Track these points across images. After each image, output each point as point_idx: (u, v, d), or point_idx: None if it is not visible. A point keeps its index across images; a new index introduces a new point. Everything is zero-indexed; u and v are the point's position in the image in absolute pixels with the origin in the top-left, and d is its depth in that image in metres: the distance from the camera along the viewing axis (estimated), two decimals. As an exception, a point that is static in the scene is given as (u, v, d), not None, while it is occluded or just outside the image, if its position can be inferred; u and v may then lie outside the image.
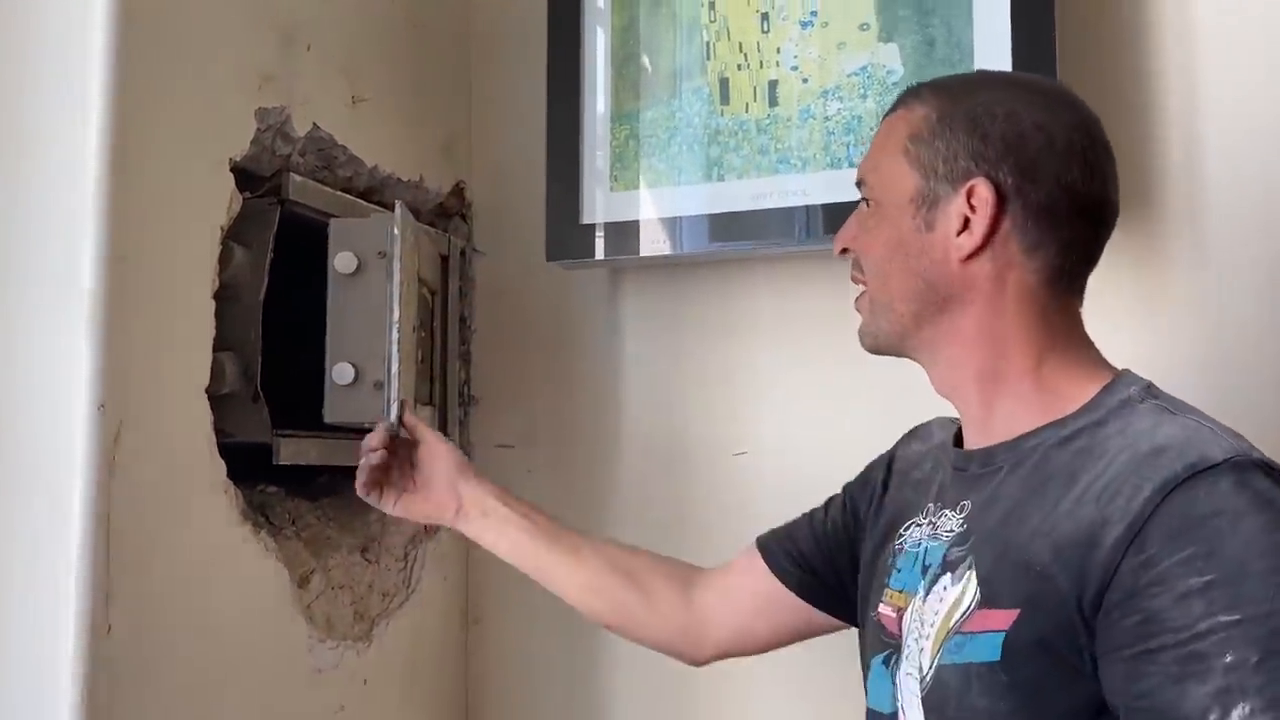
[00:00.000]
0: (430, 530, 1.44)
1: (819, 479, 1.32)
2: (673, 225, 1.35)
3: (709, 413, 1.42)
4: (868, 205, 0.95)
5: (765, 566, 1.11)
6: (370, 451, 1.12)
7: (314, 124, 1.23)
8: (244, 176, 1.15)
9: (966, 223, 0.88)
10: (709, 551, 1.40)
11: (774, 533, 1.14)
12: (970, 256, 0.88)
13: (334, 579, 1.26)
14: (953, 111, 0.90)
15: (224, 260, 1.12)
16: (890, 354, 0.96)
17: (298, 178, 1.21)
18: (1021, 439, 0.88)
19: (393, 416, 1.14)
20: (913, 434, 1.08)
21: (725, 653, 1.14)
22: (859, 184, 0.96)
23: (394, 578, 1.37)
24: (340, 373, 1.17)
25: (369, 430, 1.15)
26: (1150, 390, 0.86)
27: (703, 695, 1.30)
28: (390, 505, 1.16)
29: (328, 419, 1.18)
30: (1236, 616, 0.70)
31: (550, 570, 1.15)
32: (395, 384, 1.15)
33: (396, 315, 1.15)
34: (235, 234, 1.14)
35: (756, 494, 1.39)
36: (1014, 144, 0.88)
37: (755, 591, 1.11)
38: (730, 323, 1.42)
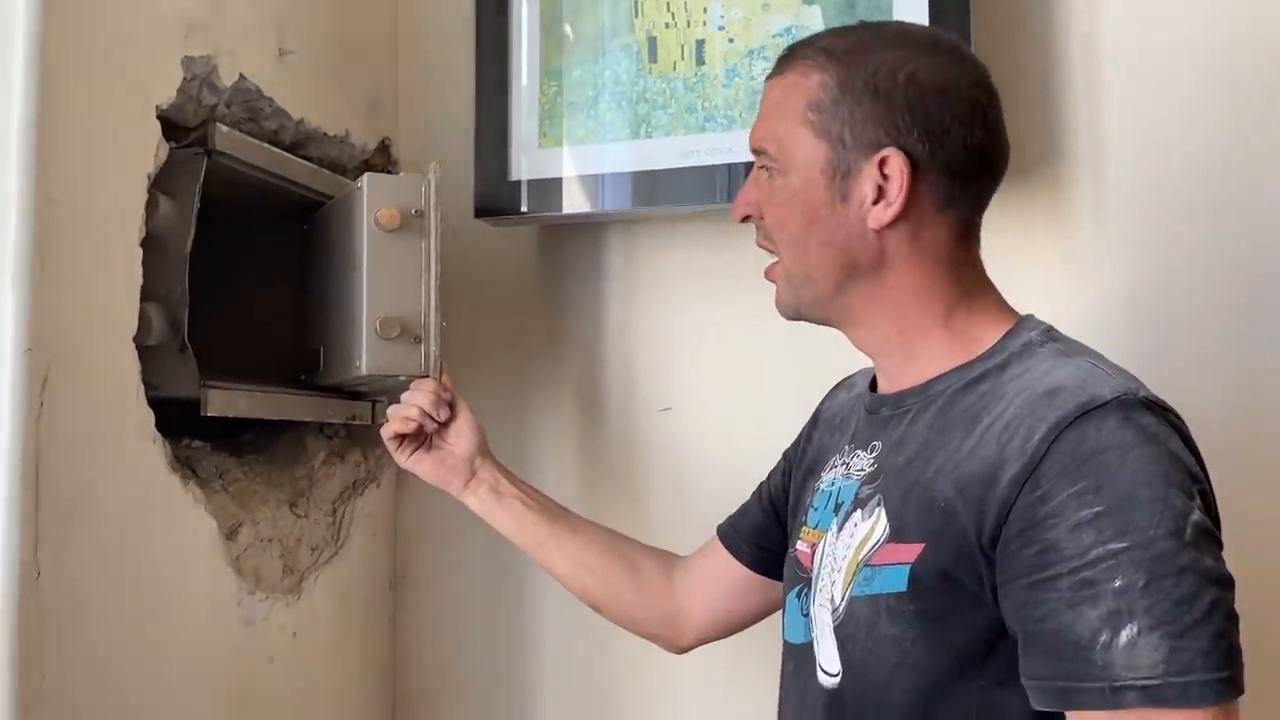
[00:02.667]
0: (359, 486, 1.45)
1: (743, 434, 1.37)
2: (599, 182, 1.37)
3: (634, 369, 1.45)
4: (768, 173, 0.94)
5: (723, 548, 1.15)
6: (415, 407, 1.18)
7: (240, 75, 1.21)
8: (170, 126, 1.14)
9: (880, 192, 0.89)
10: (635, 506, 1.43)
11: (731, 515, 1.18)
12: (887, 225, 0.90)
13: (262, 532, 1.26)
14: (851, 77, 0.90)
15: (150, 210, 1.10)
16: (810, 321, 0.97)
17: (224, 128, 1.19)
18: (930, 383, 0.92)
19: (434, 373, 1.20)
20: (839, 386, 1.12)
21: (705, 637, 1.18)
22: (757, 152, 0.95)
23: (322, 532, 1.38)
24: (383, 325, 1.20)
25: (393, 381, 1.22)
26: (1050, 333, 0.91)
27: (628, 657, 1.33)
28: (404, 458, 1.21)
29: (366, 370, 1.21)
30: (1125, 544, 0.74)
31: (548, 547, 1.19)
32: (436, 341, 1.21)
33: (435, 272, 1.20)
34: (161, 183, 1.12)
35: (681, 449, 1.42)
36: (920, 110, 0.89)
37: (721, 574, 1.15)
38: (656, 280, 1.44)
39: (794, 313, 0.97)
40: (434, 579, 1.52)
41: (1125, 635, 0.73)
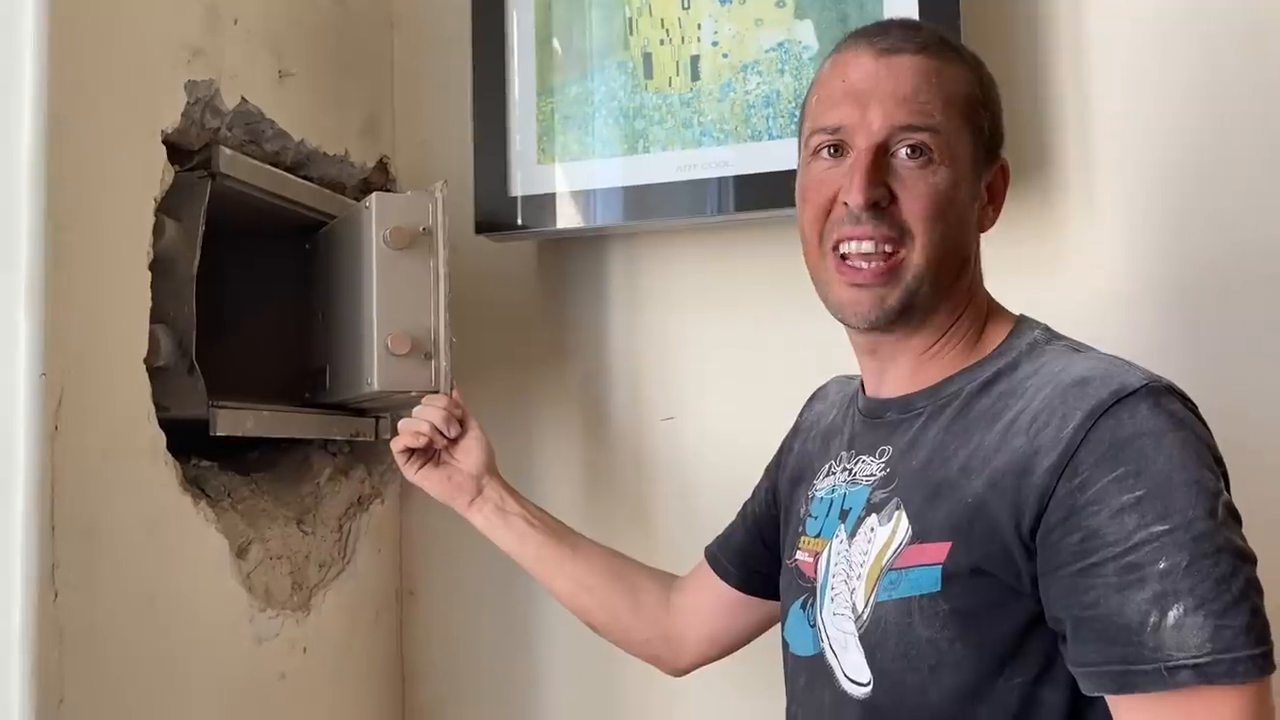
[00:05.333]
0: (364, 502, 1.46)
1: (746, 442, 1.38)
2: (598, 197, 1.38)
3: (636, 380, 1.46)
4: (919, 159, 0.89)
5: (711, 570, 1.16)
6: (426, 423, 1.18)
7: (242, 98, 1.23)
8: (174, 150, 1.15)
9: (990, 195, 0.94)
10: (639, 515, 1.45)
11: (718, 537, 1.19)
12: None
13: (272, 549, 1.27)
14: (985, 80, 0.94)
15: (156, 233, 1.12)
16: (890, 324, 0.91)
17: (228, 151, 1.21)
18: (941, 385, 0.92)
19: (445, 388, 1.22)
20: (813, 397, 1.14)
21: (704, 657, 1.18)
22: (914, 129, 0.88)
23: (330, 549, 1.39)
24: (393, 342, 1.21)
25: (403, 397, 1.24)
26: (1050, 332, 0.93)
27: (636, 670, 1.34)
28: (412, 471, 1.22)
29: (378, 386, 1.22)
30: (1167, 526, 0.76)
31: (549, 565, 1.20)
32: (447, 356, 1.23)
33: (444, 288, 1.22)
34: (167, 207, 1.14)
35: (684, 458, 1.44)
36: (1001, 120, 0.95)
37: (712, 596, 1.16)
38: (657, 291, 1.45)
39: (894, 314, 0.90)
40: (441, 593, 1.53)
41: (1173, 616, 0.74)
